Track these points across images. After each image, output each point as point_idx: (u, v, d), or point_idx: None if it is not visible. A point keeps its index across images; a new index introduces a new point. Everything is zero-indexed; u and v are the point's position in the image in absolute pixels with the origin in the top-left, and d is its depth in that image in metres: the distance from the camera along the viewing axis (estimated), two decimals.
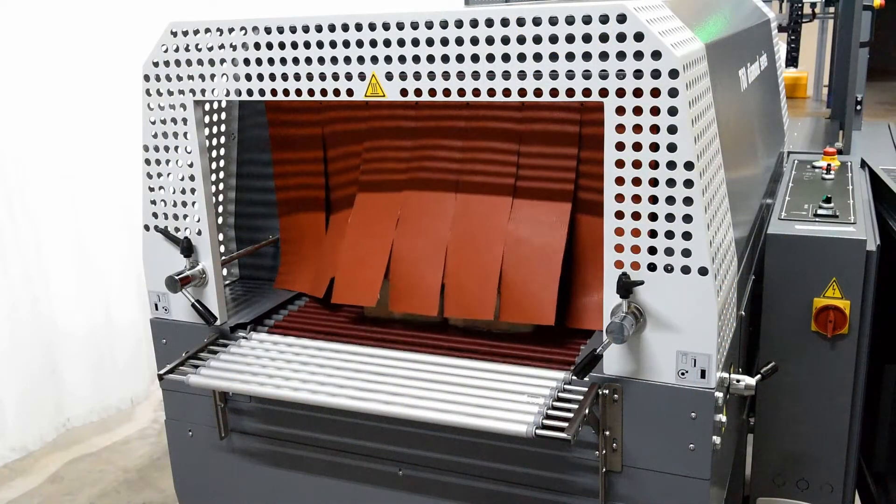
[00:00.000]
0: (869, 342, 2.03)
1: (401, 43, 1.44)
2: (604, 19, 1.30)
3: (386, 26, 1.44)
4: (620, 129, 1.35)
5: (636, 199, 1.37)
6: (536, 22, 1.34)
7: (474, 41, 1.39)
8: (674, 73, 1.29)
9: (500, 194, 1.74)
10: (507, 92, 1.40)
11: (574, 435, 1.36)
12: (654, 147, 1.33)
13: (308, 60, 1.53)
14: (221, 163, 2.03)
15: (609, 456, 1.52)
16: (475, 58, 1.40)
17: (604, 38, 1.31)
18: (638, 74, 1.31)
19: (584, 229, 1.72)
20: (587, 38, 1.32)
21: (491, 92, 1.41)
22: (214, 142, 1.94)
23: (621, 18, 1.29)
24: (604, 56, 1.32)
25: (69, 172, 3.66)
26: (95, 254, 3.84)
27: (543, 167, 1.73)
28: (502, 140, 1.74)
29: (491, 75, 1.40)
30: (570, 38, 1.33)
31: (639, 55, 1.30)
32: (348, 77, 1.51)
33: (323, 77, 1.53)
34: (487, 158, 1.77)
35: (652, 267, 1.39)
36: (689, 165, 1.32)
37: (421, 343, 1.73)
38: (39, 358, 3.67)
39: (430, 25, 1.41)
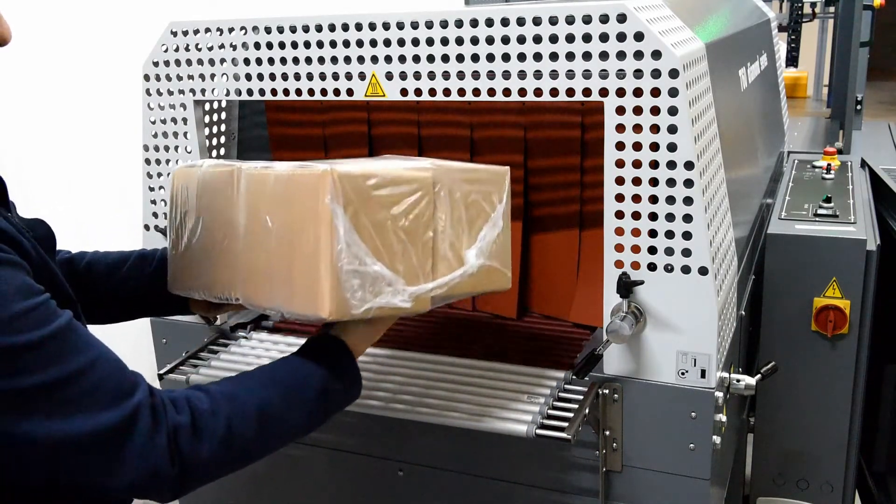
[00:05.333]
0: (869, 342, 2.03)
1: (401, 43, 1.44)
2: (604, 19, 1.30)
3: (386, 26, 1.45)
4: (620, 128, 1.35)
5: (636, 198, 1.37)
6: (536, 22, 1.34)
7: (474, 41, 1.39)
8: (674, 73, 1.29)
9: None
10: (507, 92, 1.40)
11: (574, 435, 1.36)
12: (654, 147, 1.33)
13: (308, 60, 1.53)
14: None
15: (609, 456, 1.52)
16: (475, 57, 1.40)
17: (604, 37, 1.31)
18: (638, 74, 1.31)
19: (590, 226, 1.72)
20: (587, 38, 1.32)
21: (491, 92, 1.41)
22: (214, 142, 1.94)
23: (621, 18, 1.29)
24: (604, 56, 1.32)
25: (69, 172, 3.66)
26: None
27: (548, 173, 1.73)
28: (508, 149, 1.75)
29: (491, 75, 1.40)
30: (570, 38, 1.33)
31: (639, 55, 1.30)
32: (348, 77, 1.51)
33: (323, 77, 1.53)
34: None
35: (652, 267, 1.39)
36: (689, 165, 1.32)
37: (420, 342, 1.73)
38: None
39: (430, 25, 1.41)
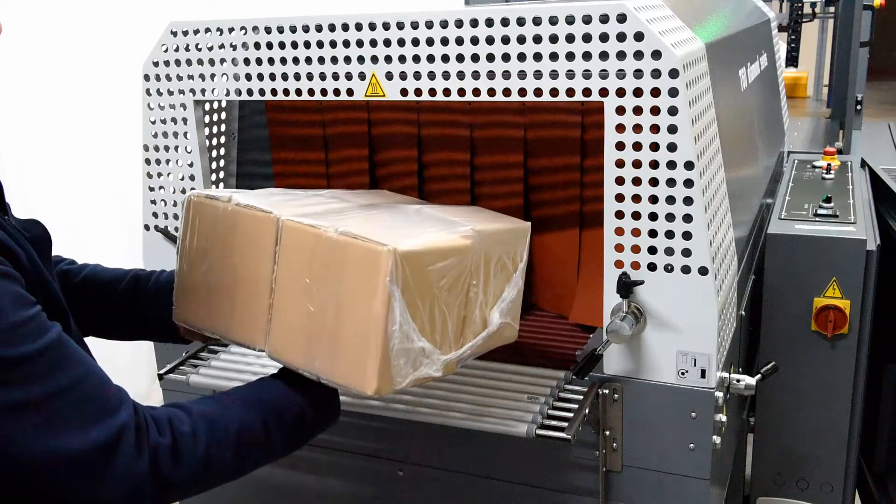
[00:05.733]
0: (869, 342, 2.03)
1: (401, 43, 1.44)
2: (604, 19, 1.30)
3: (386, 26, 1.44)
4: (620, 128, 1.35)
5: (636, 198, 1.37)
6: (536, 21, 1.34)
7: (474, 41, 1.39)
8: (674, 73, 1.29)
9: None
10: (507, 92, 1.40)
11: (574, 435, 1.36)
12: (655, 147, 1.33)
13: (308, 60, 1.53)
14: (221, 163, 2.02)
15: (609, 456, 1.52)
16: (475, 57, 1.40)
17: (604, 37, 1.31)
18: (638, 74, 1.31)
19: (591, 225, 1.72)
20: (587, 38, 1.32)
21: (491, 92, 1.41)
22: (214, 142, 1.94)
23: (621, 18, 1.29)
24: (604, 56, 1.32)
25: (68, 172, 3.66)
26: (95, 254, 3.82)
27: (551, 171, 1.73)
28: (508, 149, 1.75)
29: (491, 75, 1.40)
30: (570, 38, 1.33)
31: (639, 55, 1.30)
32: (348, 77, 1.51)
33: (323, 77, 1.53)
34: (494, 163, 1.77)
35: (652, 267, 1.39)
36: (689, 165, 1.32)
37: None
38: None
39: (430, 25, 1.41)
